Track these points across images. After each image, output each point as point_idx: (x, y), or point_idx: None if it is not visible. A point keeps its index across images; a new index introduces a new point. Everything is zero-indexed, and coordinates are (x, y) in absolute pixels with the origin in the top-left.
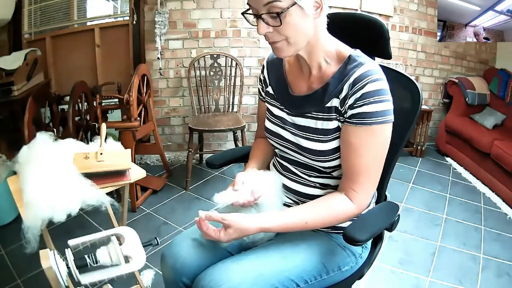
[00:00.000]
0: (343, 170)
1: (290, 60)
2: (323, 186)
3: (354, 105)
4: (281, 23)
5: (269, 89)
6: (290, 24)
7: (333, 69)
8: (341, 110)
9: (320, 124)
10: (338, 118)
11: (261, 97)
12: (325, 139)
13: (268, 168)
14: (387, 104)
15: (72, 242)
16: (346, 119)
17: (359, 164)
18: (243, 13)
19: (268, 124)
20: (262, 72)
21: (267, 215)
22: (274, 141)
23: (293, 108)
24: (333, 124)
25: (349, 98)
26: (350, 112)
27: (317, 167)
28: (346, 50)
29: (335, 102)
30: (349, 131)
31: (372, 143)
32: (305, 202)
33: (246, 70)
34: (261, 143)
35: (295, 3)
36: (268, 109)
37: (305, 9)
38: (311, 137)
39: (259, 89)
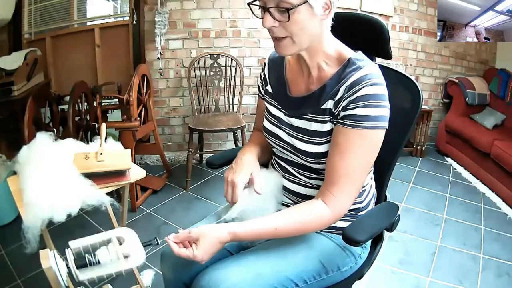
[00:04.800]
0: (325, 172)
1: (290, 60)
2: (319, 188)
3: (347, 107)
4: (288, 19)
5: (268, 87)
6: (297, 21)
7: (332, 71)
8: (334, 112)
9: (314, 126)
10: (331, 120)
11: (260, 95)
12: (318, 141)
13: (266, 157)
14: (381, 110)
15: (72, 244)
16: (338, 120)
17: (341, 165)
18: (249, 4)
19: (266, 124)
20: (263, 70)
21: (238, 222)
22: (271, 141)
23: (290, 109)
24: (327, 127)
25: (344, 101)
26: (342, 114)
27: (314, 167)
28: (347, 52)
29: (329, 104)
30: (338, 131)
31: (359, 146)
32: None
33: (246, 70)
34: (260, 133)
35: (306, 1)
36: (266, 108)
37: (315, 9)
38: (305, 139)
39: (259, 86)
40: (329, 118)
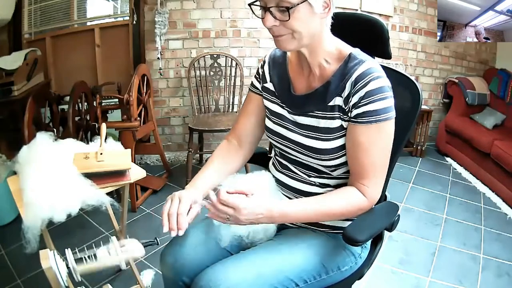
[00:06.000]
0: (351, 168)
1: (292, 59)
2: (322, 186)
3: (359, 104)
4: (289, 18)
5: (269, 85)
6: (298, 20)
7: (333, 68)
8: (345, 108)
9: (323, 123)
10: (342, 117)
11: (254, 89)
12: (328, 137)
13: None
14: (390, 101)
15: (75, 256)
16: (352, 119)
17: (368, 161)
18: (250, 4)
19: (268, 123)
20: (262, 67)
21: (287, 201)
22: (274, 140)
23: (295, 107)
24: (336, 123)
25: (353, 97)
26: (355, 112)
27: (317, 167)
28: (347, 48)
29: (338, 101)
30: (356, 130)
31: (380, 139)
32: None
33: (246, 70)
34: (225, 150)
35: (305, 0)
36: (266, 107)
37: (314, 7)
38: (314, 136)
39: (252, 82)
40: (339, 115)
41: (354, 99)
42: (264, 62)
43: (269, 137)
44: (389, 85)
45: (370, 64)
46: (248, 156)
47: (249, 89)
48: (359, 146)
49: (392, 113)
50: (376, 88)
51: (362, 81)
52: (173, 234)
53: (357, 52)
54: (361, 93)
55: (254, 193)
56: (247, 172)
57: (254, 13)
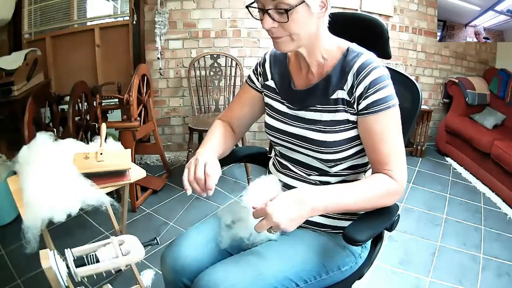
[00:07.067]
0: (371, 159)
1: (291, 56)
2: (322, 184)
3: (366, 95)
4: (287, 20)
5: (270, 83)
6: (296, 21)
7: (332, 63)
8: (350, 100)
9: (325, 116)
10: (347, 110)
11: (252, 84)
12: (332, 129)
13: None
14: (392, 87)
15: (75, 250)
16: (362, 111)
17: (387, 149)
18: (247, 6)
19: (269, 120)
20: (262, 65)
21: (323, 194)
22: (275, 137)
23: (296, 102)
24: (340, 116)
25: (357, 87)
26: (364, 103)
27: (316, 164)
28: (344, 43)
29: (341, 94)
30: (369, 121)
31: (392, 125)
32: None
33: (246, 70)
34: (223, 126)
35: (303, 1)
36: (267, 104)
37: (312, 7)
38: (316, 128)
39: (250, 76)
40: (343, 108)
41: (359, 90)
42: (265, 60)
43: (269, 134)
44: (387, 73)
45: (368, 55)
46: (236, 142)
47: (246, 81)
48: (375, 135)
49: (397, 99)
50: (378, 77)
51: (364, 72)
52: (204, 195)
53: (354, 46)
54: (365, 82)
55: (276, 195)
56: (247, 172)
57: (251, 15)
